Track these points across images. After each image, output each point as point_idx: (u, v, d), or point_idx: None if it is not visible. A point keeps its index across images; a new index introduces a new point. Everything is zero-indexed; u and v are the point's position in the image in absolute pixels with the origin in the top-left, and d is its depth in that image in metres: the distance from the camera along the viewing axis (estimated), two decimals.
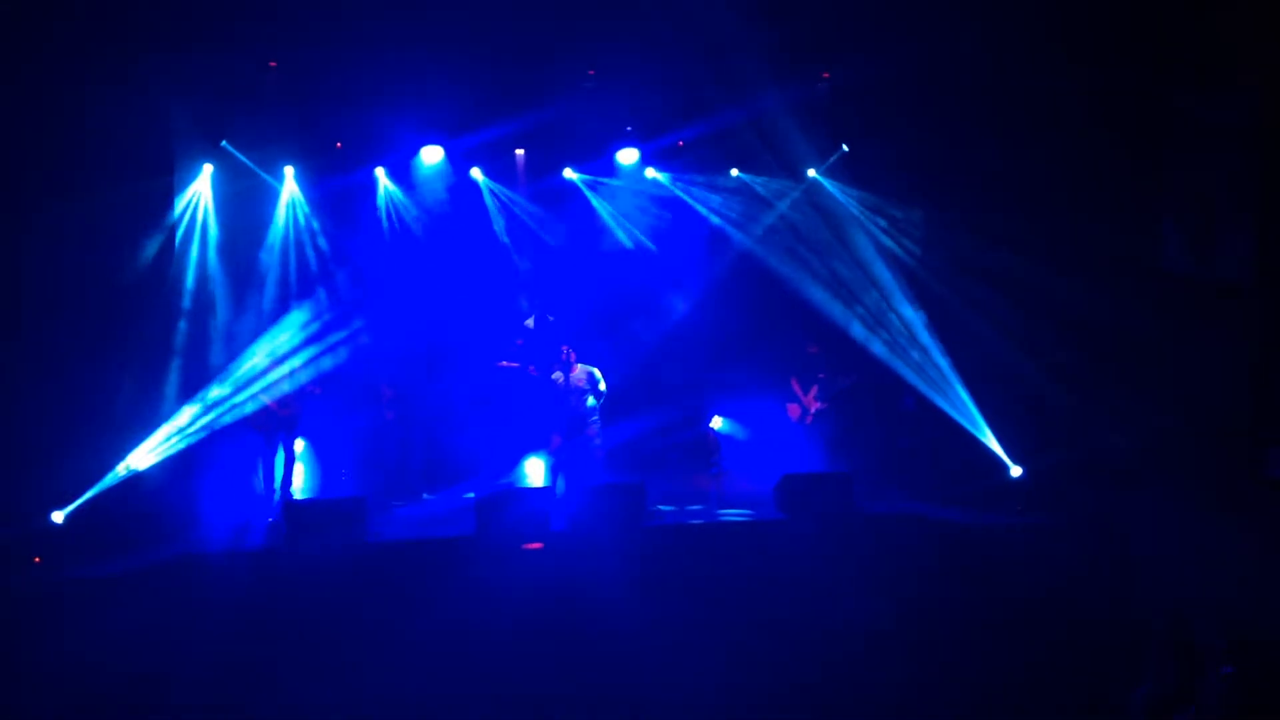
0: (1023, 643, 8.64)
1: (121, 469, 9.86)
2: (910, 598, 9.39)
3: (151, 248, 10.52)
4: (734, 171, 13.15)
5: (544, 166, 12.88)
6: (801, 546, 9.83)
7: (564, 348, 11.20)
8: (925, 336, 11.80)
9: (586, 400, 11.14)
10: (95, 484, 9.73)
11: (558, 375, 11.16)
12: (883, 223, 12.42)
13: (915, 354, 11.89)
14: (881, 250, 12.32)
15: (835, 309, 12.43)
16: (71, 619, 8.32)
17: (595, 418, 11.27)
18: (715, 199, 13.23)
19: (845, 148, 12.59)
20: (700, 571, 9.68)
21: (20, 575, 8.78)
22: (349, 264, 12.24)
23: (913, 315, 11.93)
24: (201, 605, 8.67)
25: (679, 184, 13.20)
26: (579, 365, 11.18)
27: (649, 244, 13.24)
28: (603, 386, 11.20)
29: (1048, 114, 10.90)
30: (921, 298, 11.97)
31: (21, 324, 9.64)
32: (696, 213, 13.18)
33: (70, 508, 9.54)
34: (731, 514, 10.93)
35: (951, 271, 11.69)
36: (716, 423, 12.27)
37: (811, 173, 12.86)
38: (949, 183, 11.72)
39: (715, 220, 13.17)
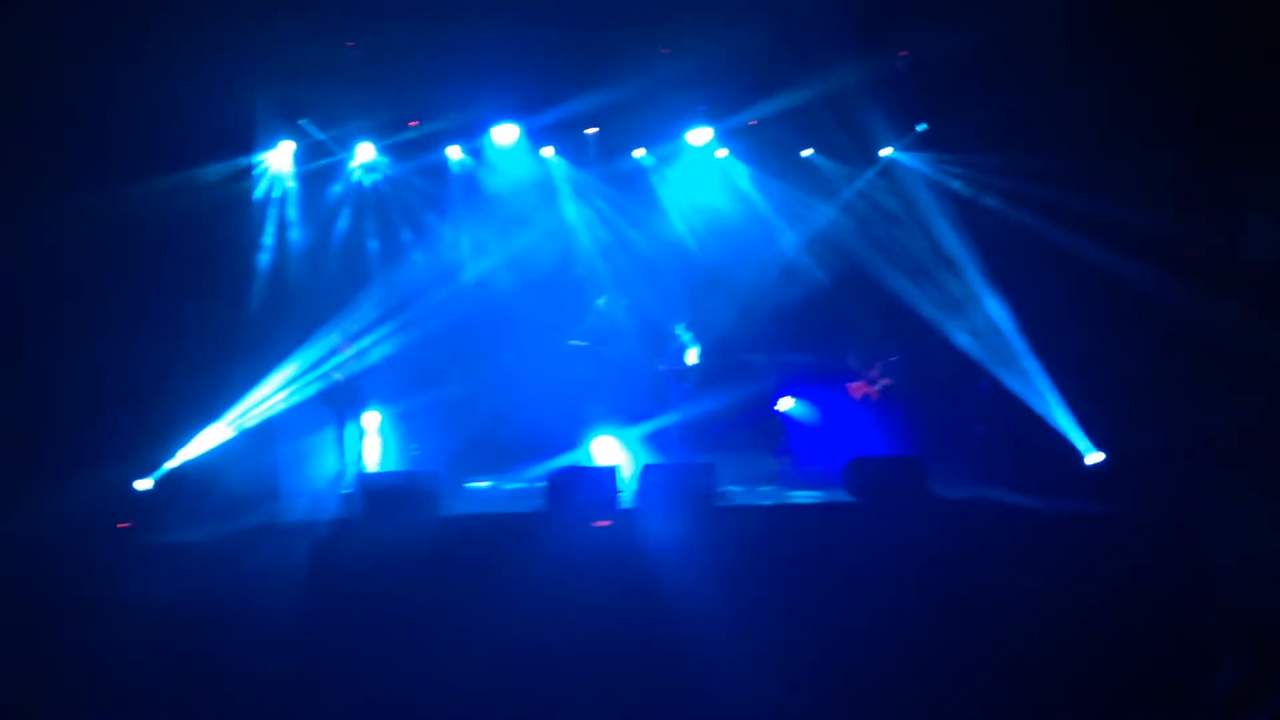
0: (1100, 633, 8.49)
1: (205, 440, 10.13)
2: (983, 585, 9.27)
3: (231, 225, 10.73)
4: (807, 151, 12.99)
5: (616, 146, 12.86)
6: (871, 530, 9.75)
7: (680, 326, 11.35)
8: (1002, 319, 11.57)
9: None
10: (178, 454, 10.02)
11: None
12: (959, 202, 12.17)
13: (992, 337, 11.67)
14: (959, 232, 12.08)
15: (909, 289, 12.26)
16: (155, 583, 8.59)
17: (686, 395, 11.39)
18: (787, 178, 13.11)
19: (922, 126, 12.34)
20: (769, 552, 9.65)
21: (107, 540, 9.06)
22: (423, 241, 12.39)
23: (988, 297, 11.70)
24: (278, 573, 8.90)
25: (750, 164, 13.10)
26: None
27: (716, 228, 13.18)
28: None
29: (1127, 98, 10.56)
30: (998, 280, 11.74)
31: (109, 300, 9.90)
32: (767, 193, 13.07)
33: (155, 475, 9.84)
34: (801, 496, 10.86)
35: (1028, 255, 11.43)
36: (786, 403, 12.20)
37: (887, 151, 12.65)
38: (1027, 163, 11.45)
39: (787, 201, 13.06)
